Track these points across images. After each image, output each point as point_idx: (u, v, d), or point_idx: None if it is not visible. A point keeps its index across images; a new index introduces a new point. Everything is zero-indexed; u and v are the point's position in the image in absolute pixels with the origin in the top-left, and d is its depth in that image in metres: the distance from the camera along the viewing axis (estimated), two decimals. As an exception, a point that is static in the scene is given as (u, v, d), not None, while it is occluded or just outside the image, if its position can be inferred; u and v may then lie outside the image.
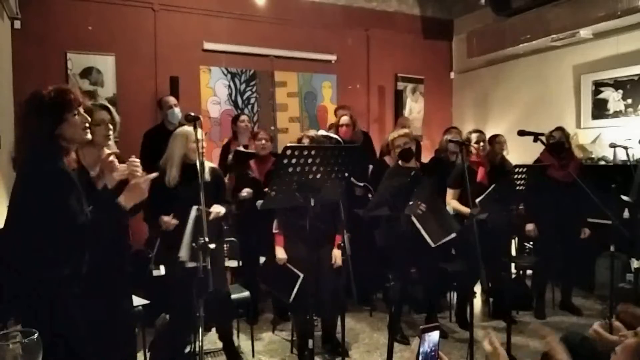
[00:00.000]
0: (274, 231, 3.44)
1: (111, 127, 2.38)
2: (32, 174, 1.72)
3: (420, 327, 1.11)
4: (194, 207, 2.74)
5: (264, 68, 5.85)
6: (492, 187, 3.30)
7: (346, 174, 2.50)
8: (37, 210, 1.70)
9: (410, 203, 3.28)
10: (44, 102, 1.77)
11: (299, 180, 2.32)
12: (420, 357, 1.08)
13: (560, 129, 4.22)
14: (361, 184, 4.15)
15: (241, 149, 4.21)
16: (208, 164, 3.14)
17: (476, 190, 3.62)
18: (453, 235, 3.59)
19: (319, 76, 6.23)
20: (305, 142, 3.39)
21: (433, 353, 1.11)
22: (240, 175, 4.14)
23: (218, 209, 2.99)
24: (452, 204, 3.96)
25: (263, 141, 4.18)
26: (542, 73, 5.96)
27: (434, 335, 1.11)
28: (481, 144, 3.99)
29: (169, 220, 2.91)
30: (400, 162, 3.78)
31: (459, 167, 3.99)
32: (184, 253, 2.80)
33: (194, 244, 2.29)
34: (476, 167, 3.97)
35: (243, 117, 4.83)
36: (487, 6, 6.14)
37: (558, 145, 4.05)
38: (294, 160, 2.25)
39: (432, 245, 3.53)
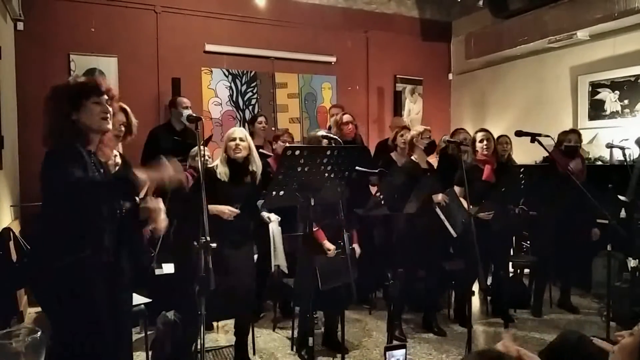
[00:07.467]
0: (314, 229, 3.47)
1: (123, 128, 2.47)
2: (51, 155, 1.79)
3: (384, 346, 1.19)
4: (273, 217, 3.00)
5: (265, 69, 5.91)
6: (494, 190, 3.35)
7: (346, 174, 2.54)
8: (56, 188, 1.76)
9: (410, 202, 3.32)
10: (65, 88, 1.85)
11: (299, 180, 2.36)
12: None
13: (575, 132, 4.27)
14: (376, 171, 4.17)
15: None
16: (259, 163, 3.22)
17: (481, 187, 3.70)
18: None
19: (319, 77, 6.28)
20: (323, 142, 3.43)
21: None
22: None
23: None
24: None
25: (287, 144, 4.32)
26: (540, 74, 6.01)
27: (399, 353, 1.20)
28: (485, 142, 4.01)
29: (233, 210, 3.01)
30: (414, 157, 3.80)
31: (463, 165, 4.07)
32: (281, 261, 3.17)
33: (196, 243, 2.30)
34: (482, 165, 4.02)
35: (261, 119, 4.86)
36: (485, 8, 6.20)
37: (573, 149, 4.14)
38: (294, 161, 2.29)
39: (454, 235, 3.62)
